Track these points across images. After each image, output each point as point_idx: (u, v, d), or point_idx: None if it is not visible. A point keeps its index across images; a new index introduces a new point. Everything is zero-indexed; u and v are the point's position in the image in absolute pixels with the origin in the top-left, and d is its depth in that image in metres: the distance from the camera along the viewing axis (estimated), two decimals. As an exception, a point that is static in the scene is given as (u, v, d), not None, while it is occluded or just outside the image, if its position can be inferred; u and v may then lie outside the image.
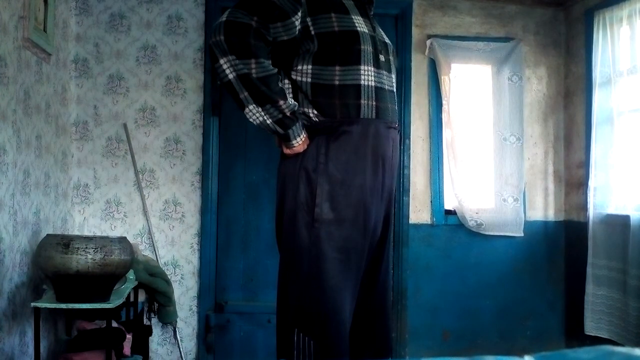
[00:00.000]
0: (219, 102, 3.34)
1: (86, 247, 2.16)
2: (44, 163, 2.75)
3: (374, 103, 1.74)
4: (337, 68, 1.70)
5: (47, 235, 2.30)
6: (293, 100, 1.72)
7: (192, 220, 3.32)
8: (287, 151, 1.74)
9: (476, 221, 3.45)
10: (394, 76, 1.87)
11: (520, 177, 3.53)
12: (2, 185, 2.27)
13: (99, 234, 3.18)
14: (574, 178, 3.55)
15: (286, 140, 1.71)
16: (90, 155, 3.27)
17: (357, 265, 1.74)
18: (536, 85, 3.65)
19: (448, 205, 3.54)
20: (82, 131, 3.27)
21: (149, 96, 3.31)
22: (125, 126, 3.28)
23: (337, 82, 1.70)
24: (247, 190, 3.37)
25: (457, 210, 3.49)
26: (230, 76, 1.63)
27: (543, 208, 3.62)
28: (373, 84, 1.74)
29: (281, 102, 1.65)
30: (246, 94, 1.64)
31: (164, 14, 3.33)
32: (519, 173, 3.53)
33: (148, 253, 3.26)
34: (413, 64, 3.50)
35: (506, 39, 3.58)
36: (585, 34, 3.42)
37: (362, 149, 1.72)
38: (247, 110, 1.68)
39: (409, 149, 3.48)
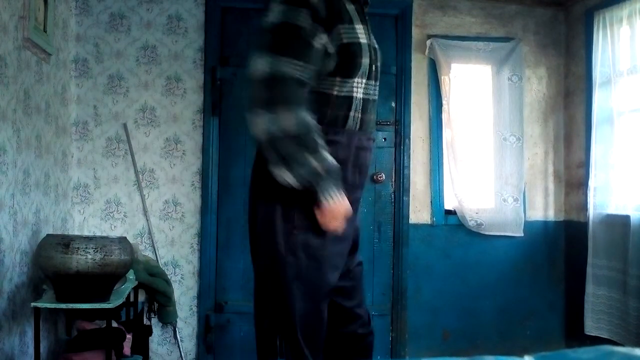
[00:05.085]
0: (219, 102, 3.34)
1: (86, 247, 2.16)
2: (44, 163, 2.75)
3: (360, 115, 1.71)
4: (338, 79, 1.66)
5: (47, 235, 2.31)
6: (331, 158, 1.59)
7: (192, 220, 3.32)
8: (321, 218, 1.59)
9: (476, 221, 3.45)
10: (378, 83, 1.84)
11: (520, 177, 3.53)
12: (2, 185, 2.27)
13: (99, 234, 3.18)
14: (574, 178, 3.55)
15: (315, 198, 1.57)
16: (90, 155, 3.27)
17: (338, 273, 1.73)
18: (536, 85, 3.65)
19: (448, 205, 3.54)
20: (82, 131, 3.27)
21: (149, 96, 3.31)
22: (125, 126, 3.28)
23: (335, 92, 1.66)
24: (247, 191, 3.35)
25: (457, 210, 3.49)
26: (260, 134, 1.52)
27: (543, 208, 3.62)
28: (361, 96, 1.72)
29: (309, 159, 1.53)
30: (271, 153, 1.53)
31: (164, 14, 3.33)
32: (519, 173, 3.53)
33: (148, 253, 3.26)
34: (413, 64, 3.50)
35: (506, 39, 3.58)
36: (585, 34, 3.42)
37: (345, 160, 1.69)
38: (275, 169, 1.55)
39: (409, 149, 3.48)
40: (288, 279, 1.64)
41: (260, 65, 1.51)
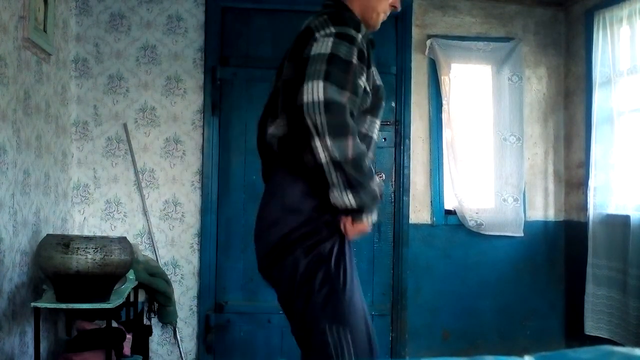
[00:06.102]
0: (219, 102, 3.34)
1: (86, 247, 2.16)
2: (44, 163, 2.75)
3: (372, 156, 1.80)
4: (369, 117, 1.75)
5: (47, 235, 2.30)
6: (378, 178, 1.70)
7: (192, 220, 3.32)
8: (349, 227, 1.66)
9: (476, 221, 3.45)
10: None
11: (520, 177, 3.53)
12: (2, 185, 2.27)
13: (99, 234, 3.18)
14: (574, 178, 3.55)
15: (357, 213, 1.64)
16: (90, 155, 3.27)
17: None
18: (536, 85, 3.65)
19: (448, 205, 3.54)
20: (82, 131, 3.27)
21: (149, 96, 3.31)
22: (125, 126, 3.28)
23: (364, 130, 1.74)
24: (247, 190, 3.37)
25: (457, 210, 3.49)
26: (323, 160, 1.58)
27: (543, 208, 3.62)
28: (375, 137, 1.81)
29: (369, 183, 1.63)
30: (337, 178, 1.59)
31: (164, 14, 3.33)
32: (519, 173, 3.53)
33: (148, 253, 3.26)
34: (413, 64, 3.50)
35: (506, 39, 3.58)
36: (585, 34, 3.42)
37: None
38: (333, 191, 1.61)
39: (409, 149, 3.48)
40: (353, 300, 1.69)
41: (317, 92, 1.55)
